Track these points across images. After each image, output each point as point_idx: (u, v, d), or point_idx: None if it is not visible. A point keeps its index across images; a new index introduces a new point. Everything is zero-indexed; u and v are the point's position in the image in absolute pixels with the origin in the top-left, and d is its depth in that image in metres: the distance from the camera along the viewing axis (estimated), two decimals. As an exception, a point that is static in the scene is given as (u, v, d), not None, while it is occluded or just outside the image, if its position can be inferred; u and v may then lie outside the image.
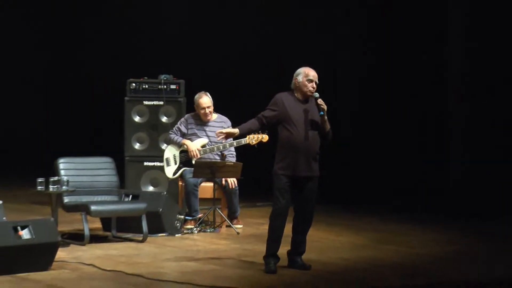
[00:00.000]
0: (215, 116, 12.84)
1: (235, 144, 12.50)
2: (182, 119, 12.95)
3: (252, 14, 16.14)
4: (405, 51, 15.87)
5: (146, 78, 13.68)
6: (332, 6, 16.28)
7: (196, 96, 12.78)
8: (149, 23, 16.53)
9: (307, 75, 10.11)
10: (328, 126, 10.17)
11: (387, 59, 16.01)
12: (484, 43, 15.12)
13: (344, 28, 16.27)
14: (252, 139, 12.07)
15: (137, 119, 13.67)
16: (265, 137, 11.62)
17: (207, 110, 12.67)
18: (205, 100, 12.70)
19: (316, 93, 10.06)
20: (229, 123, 12.78)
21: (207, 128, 12.73)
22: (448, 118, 15.27)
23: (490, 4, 15.21)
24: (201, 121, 12.76)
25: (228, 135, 10.70)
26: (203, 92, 12.80)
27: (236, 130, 10.48)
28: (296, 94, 10.18)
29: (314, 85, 10.10)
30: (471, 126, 14.81)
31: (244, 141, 12.28)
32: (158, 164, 13.33)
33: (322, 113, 10.06)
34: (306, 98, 10.14)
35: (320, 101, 10.05)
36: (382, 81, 16.01)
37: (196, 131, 12.73)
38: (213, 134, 12.55)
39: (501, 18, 15.14)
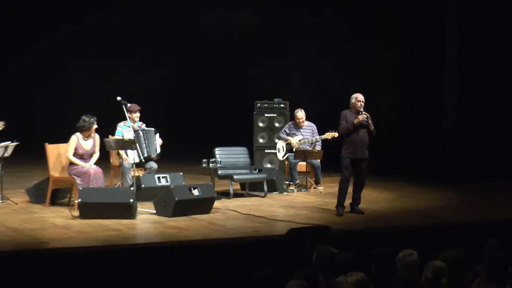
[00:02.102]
0: (306, 123, 12.71)
1: (318, 139, 12.42)
2: (287, 125, 12.92)
3: (333, 56, 15.47)
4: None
5: (266, 100, 13.70)
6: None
7: (295, 111, 12.75)
8: (269, 62, 16.27)
9: (356, 98, 10.28)
10: (372, 127, 10.25)
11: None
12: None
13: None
14: (329, 136, 12.05)
15: (261, 124, 13.64)
16: (336, 135, 11.51)
17: (300, 120, 12.60)
18: (299, 113, 12.64)
19: (362, 109, 10.21)
20: (314, 127, 12.67)
21: (302, 130, 12.65)
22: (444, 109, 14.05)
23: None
24: (298, 126, 12.68)
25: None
26: (299, 108, 12.74)
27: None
28: (352, 110, 10.32)
29: (362, 103, 10.25)
30: (465, 118, 13.62)
31: (324, 137, 12.24)
32: (273, 151, 13.25)
33: (366, 120, 10.20)
34: (358, 112, 10.25)
35: (364, 113, 10.20)
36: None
37: (295, 132, 12.67)
38: (305, 134, 12.64)
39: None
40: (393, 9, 14.78)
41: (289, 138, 12.66)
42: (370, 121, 10.22)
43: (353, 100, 10.31)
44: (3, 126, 10.81)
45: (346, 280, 5.40)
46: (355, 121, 10.18)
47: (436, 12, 14.07)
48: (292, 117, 12.98)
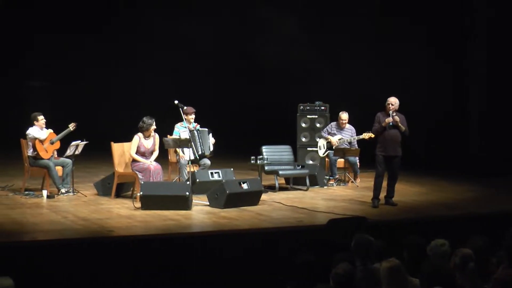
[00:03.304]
0: (347, 125, 12.60)
1: (356, 139, 12.38)
2: (329, 125, 12.82)
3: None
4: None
5: (308, 103, 13.60)
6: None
7: (340, 113, 12.62)
8: (311, 69, 16.16)
9: (388, 101, 10.24)
10: (402, 128, 10.20)
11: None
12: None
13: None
14: (365, 136, 11.95)
15: (303, 125, 13.55)
16: (372, 135, 11.35)
17: (342, 121, 12.51)
18: (344, 115, 12.55)
19: (391, 111, 10.16)
20: (354, 131, 12.55)
21: (342, 131, 12.58)
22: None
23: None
24: (339, 127, 12.62)
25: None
26: (344, 111, 12.63)
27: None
28: (385, 111, 10.28)
29: (391, 107, 10.20)
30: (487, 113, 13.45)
31: (361, 137, 12.14)
32: (314, 149, 13.15)
33: (391, 123, 10.15)
34: (388, 114, 10.24)
35: (392, 116, 10.17)
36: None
37: (336, 132, 12.61)
38: (345, 134, 12.57)
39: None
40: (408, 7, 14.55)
41: (329, 137, 12.60)
42: (398, 124, 10.15)
43: (386, 103, 10.29)
44: (74, 127, 10.98)
45: (381, 266, 5.39)
46: (383, 124, 10.21)
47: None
48: (333, 119, 12.92)
